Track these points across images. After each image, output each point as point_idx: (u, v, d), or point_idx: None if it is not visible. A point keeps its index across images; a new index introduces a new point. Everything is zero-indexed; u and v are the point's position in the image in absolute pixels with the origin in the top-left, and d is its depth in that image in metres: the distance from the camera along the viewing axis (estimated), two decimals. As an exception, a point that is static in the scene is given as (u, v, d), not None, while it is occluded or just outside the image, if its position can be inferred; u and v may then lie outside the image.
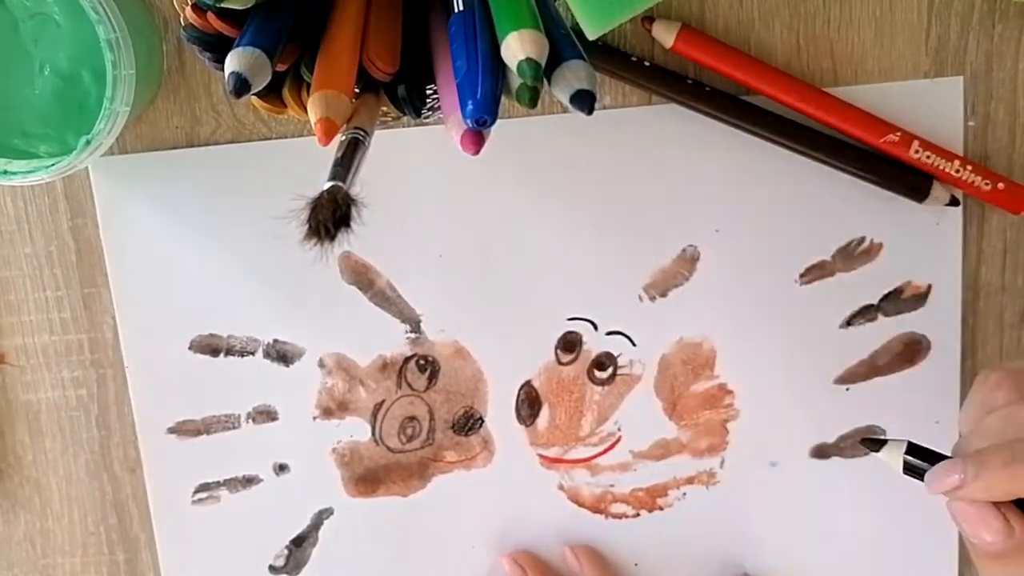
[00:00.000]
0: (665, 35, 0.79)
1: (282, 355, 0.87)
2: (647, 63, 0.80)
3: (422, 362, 0.87)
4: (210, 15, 0.61)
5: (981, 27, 0.81)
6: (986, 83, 0.82)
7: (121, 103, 0.71)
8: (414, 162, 0.83)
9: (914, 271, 0.85)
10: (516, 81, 0.56)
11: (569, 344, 0.87)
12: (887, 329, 0.86)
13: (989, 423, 0.69)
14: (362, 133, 0.60)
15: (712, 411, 0.87)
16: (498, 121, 0.56)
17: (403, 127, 0.82)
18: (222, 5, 0.58)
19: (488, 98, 0.55)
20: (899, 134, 0.80)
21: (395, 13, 0.66)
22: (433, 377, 0.87)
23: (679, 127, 0.82)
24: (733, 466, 0.88)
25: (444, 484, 0.89)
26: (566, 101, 0.55)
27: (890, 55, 0.81)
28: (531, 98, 0.55)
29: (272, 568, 0.90)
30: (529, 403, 0.87)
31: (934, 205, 0.82)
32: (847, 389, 0.87)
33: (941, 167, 0.80)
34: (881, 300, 0.85)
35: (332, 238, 0.55)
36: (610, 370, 0.87)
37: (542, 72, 0.54)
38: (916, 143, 0.80)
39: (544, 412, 0.88)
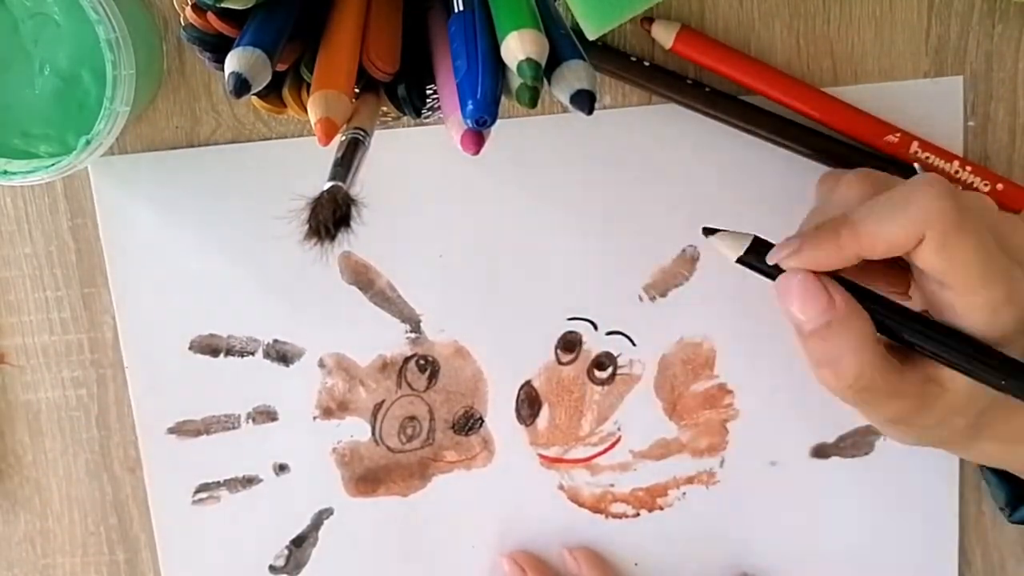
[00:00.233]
0: (664, 36, 0.79)
1: (282, 355, 0.87)
2: (647, 63, 0.80)
3: (422, 362, 0.87)
4: (210, 15, 0.61)
5: (981, 27, 0.81)
6: (986, 83, 0.82)
7: (121, 103, 0.71)
8: (414, 162, 0.83)
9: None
10: (516, 81, 0.56)
11: (569, 344, 0.87)
12: (887, 328, 0.86)
13: (827, 206, 0.73)
14: (362, 133, 0.60)
15: (712, 411, 0.87)
16: (500, 120, 0.56)
17: (403, 127, 0.82)
18: (222, 5, 0.59)
19: (488, 98, 0.56)
20: (898, 134, 0.80)
21: (395, 13, 0.66)
22: (433, 377, 0.87)
23: (679, 127, 0.82)
24: (733, 466, 0.88)
25: (444, 484, 0.89)
26: (566, 101, 0.55)
27: (890, 55, 0.81)
28: (531, 98, 0.55)
29: (272, 568, 0.90)
30: (529, 403, 0.88)
31: None
32: (847, 388, 0.87)
33: (940, 168, 0.80)
34: (881, 299, 0.85)
35: (332, 238, 0.55)
36: (610, 370, 0.87)
37: (542, 72, 0.54)
38: (915, 144, 0.80)
39: (544, 412, 0.88)
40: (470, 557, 0.90)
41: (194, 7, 0.61)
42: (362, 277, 0.85)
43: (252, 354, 0.87)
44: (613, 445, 0.88)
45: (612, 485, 0.89)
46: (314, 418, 0.88)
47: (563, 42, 0.57)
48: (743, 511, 0.89)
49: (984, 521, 0.89)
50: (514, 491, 0.89)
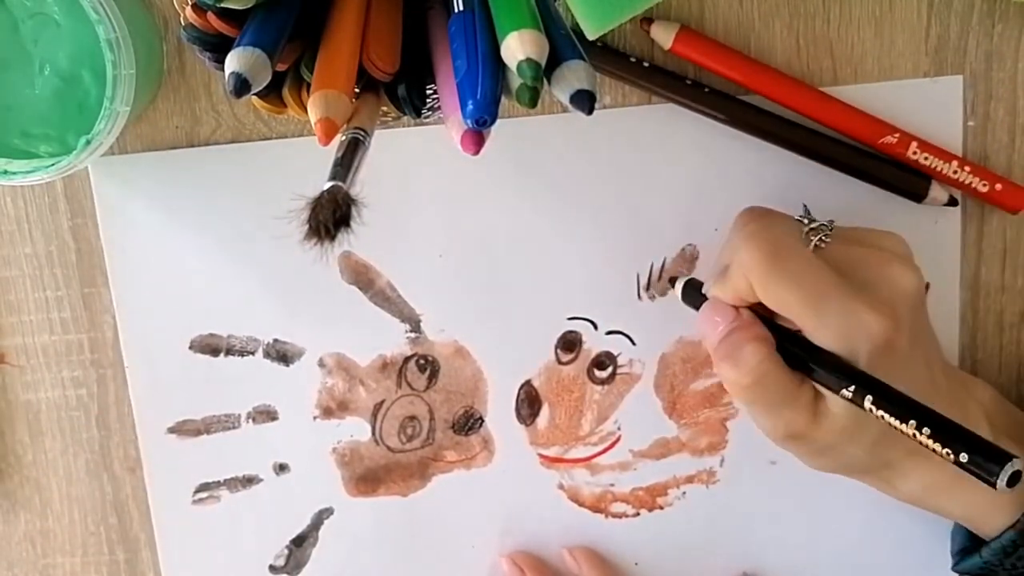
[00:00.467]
0: (663, 36, 0.79)
1: (282, 355, 0.87)
2: (647, 63, 0.80)
3: (422, 362, 0.87)
4: (210, 15, 0.61)
5: (981, 27, 0.81)
6: (986, 83, 0.82)
7: (121, 103, 0.71)
8: (414, 162, 0.83)
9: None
10: (516, 81, 0.56)
11: (569, 343, 0.87)
12: (886, 328, 0.86)
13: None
14: (362, 133, 0.60)
15: (712, 409, 0.87)
16: (500, 120, 0.56)
17: (403, 127, 0.82)
18: (222, 5, 0.58)
19: (488, 98, 0.55)
20: (897, 135, 0.80)
21: (395, 13, 0.66)
22: (433, 377, 0.87)
23: (679, 127, 0.82)
24: (733, 465, 0.88)
25: (444, 484, 0.89)
26: (566, 101, 0.55)
27: (890, 55, 0.81)
28: (531, 98, 0.55)
29: (272, 568, 0.90)
30: (529, 402, 0.88)
31: (932, 205, 0.82)
32: (847, 387, 0.87)
33: (939, 168, 0.81)
34: (880, 299, 0.85)
35: (332, 238, 0.55)
36: (610, 369, 0.87)
37: (542, 72, 0.54)
38: (914, 144, 0.80)
39: (544, 411, 0.88)
40: (470, 557, 0.90)
41: (194, 7, 0.61)
42: (362, 277, 0.85)
43: (252, 354, 0.87)
44: (613, 444, 0.88)
45: (612, 485, 0.89)
46: (314, 418, 0.88)
47: (563, 42, 0.57)
48: (743, 510, 0.89)
49: (984, 521, 0.89)
50: (514, 491, 0.89)
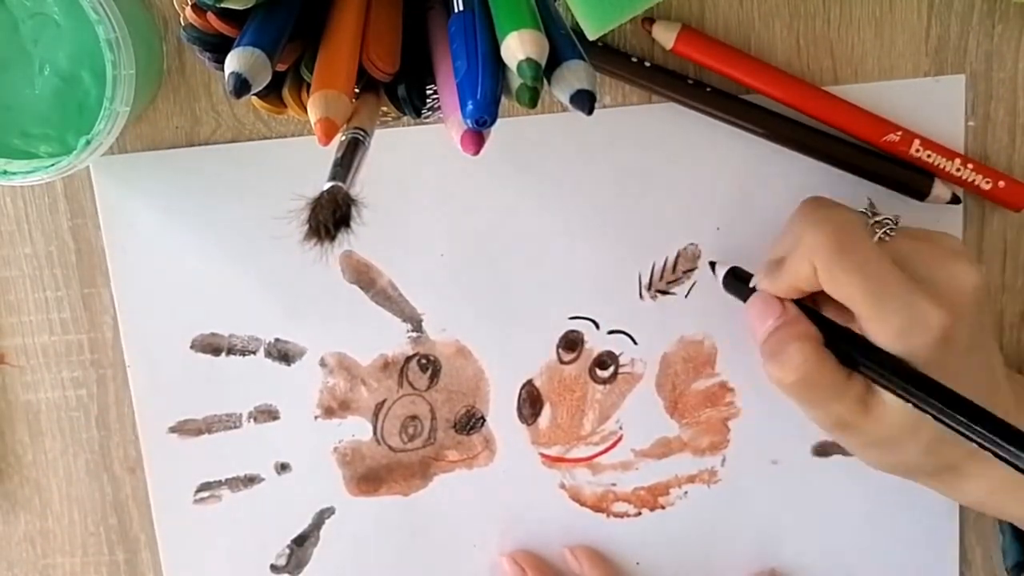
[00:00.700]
0: (665, 36, 0.79)
1: (283, 354, 0.87)
2: (647, 63, 0.80)
3: (424, 361, 0.87)
4: (210, 15, 0.61)
5: (981, 27, 0.81)
6: (986, 83, 0.82)
7: (121, 103, 0.71)
8: (416, 161, 0.83)
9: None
10: (516, 81, 0.55)
11: (571, 343, 0.87)
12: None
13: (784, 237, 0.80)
14: (362, 133, 0.60)
15: (713, 409, 0.87)
16: (499, 120, 0.56)
17: (403, 127, 0.82)
18: (222, 5, 0.58)
19: (488, 98, 0.55)
20: (899, 133, 0.80)
21: (395, 13, 0.66)
22: (435, 376, 0.87)
23: (680, 126, 0.82)
24: (734, 464, 0.88)
25: (445, 483, 0.89)
26: (566, 101, 0.55)
27: (890, 55, 0.81)
28: (531, 98, 0.55)
29: (274, 567, 0.90)
30: (531, 402, 0.88)
31: (935, 203, 0.82)
32: (848, 387, 0.87)
33: (942, 166, 0.80)
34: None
35: (332, 238, 0.55)
36: (611, 369, 0.87)
37: (542, 72, 0.54)
38: (917, 141, 0.80)
39: (546, 411, 0.88)
40: (471, 556, 0.90)
41: (194, 7, 0.61)
42: (363, 276, 0.85)
43: (253, 353, 0.87)
44: (615, 444, 0.88)
45: (614, 484, 0.89)
46: (315, 417, 0.88)
47: (563, 42, 0.57)
48: (745, 510, 0.89)
49: (985, 521, 0.89)
50: (516, 490, 0.89)
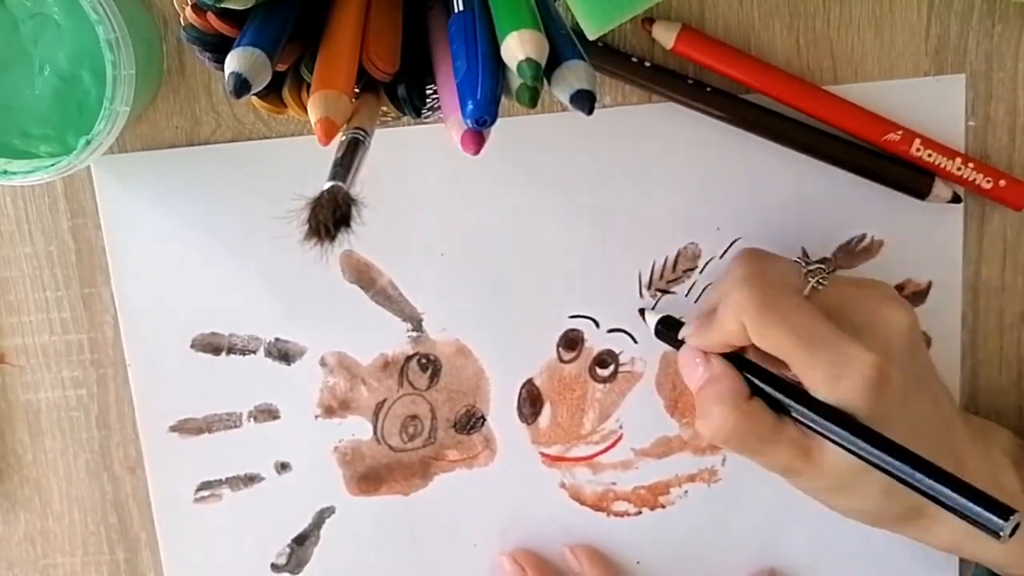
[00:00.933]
0: (665, 36, 0.79)
1: (284, 354, 0.87)
2: (647, 63, 0.80)
3: (424, 361, 0.87)
4: (210, 15, 0.61)
5: (981, 27, 0.81)
6: (986, 83, 0.82)
7: (121, 103, 0.71)
8: (416, 160, 0.83)
9: (914, 269, 0.85)
10: (516, 81, 0.56)
11: (571, 342, 0.87)
12: (888, 326, 0.86)
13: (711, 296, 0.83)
14: (362, 133, 0.60)
15: (714, 408, 0.87)
16: (500, 119, 0.56)
17: (404, 126, 0.82)
18: (222, 5, 0.58)
19: (488, 98, 0.55)
20: (900, 132, 0.80)
21: (395, 13, 0.66)
22: (435, 376, 0.87)
23: (679, 126, 0.82)
24: (735, 464, 0.88)
25: (446, 483, 0.89)
26: (566, 101, 0.55)
27: (890, 55, 0.81)
28: (531, 98, 0.55)
29: (274, 567, 0.90)
30: (531, 401, 0.88)
31: (936, 203, 0.82)
32: (848, 386, 0.87)
33: (942, 164, 0.80)
34: (882, 297, 0.85)
35: (332, 238, 0.55)
36: (612, 368, 0.87)
37: (542, 72, 0.54)
38: (917, 141, 0.80)
39: (546, 410, 0.88)
40: (472, 556, 0.90)
41: (194, 7, 0.61)
42: (364, 276, 0.85)
43: (254, 352, 0.87)
44: (615, 443, 0.88)
45: (614, 483, 0.89)
46: (316, 417, 0.88)
47: (563, 42, 0.57)
48: (745, 509, 0.89)
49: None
50: (516, 490, 0.89)
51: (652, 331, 0.84)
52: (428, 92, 0.68)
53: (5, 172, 0.74)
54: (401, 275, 0.86)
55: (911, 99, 0.82)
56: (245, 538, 0.89)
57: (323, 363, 0.87)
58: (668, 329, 0.82)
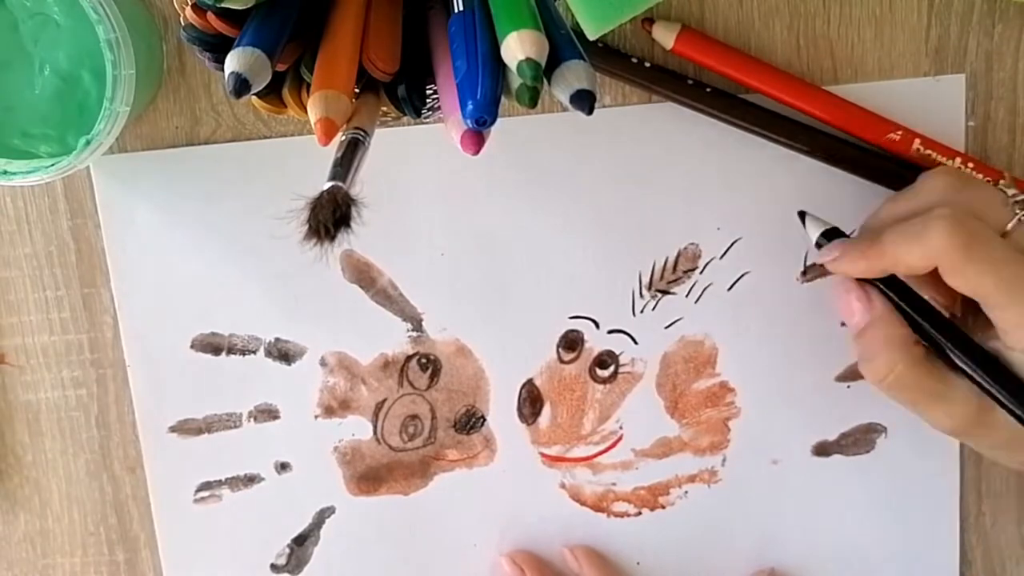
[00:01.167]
0: (665, 36, 0.79)
1: (284, 354, 0.87)
2: (647, 64, 0.80)
3: (424, 361, 0.87)
4: (210, 15, 0.61)
5: (981, 27, 0.81)
6: (986, 83, 0.82)
7: (121, 103, 0.71)
8: (417, 160, 0.83)
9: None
10: (516, 81, 0.56)
11: (571, 342, 0.87)
12: (888, 327, 0.86)
13: (882, 214, 0.78)
14: (362, 133, 0.60)
15: (714, 409, 0.87)
16: (500, 119, 0.56)
17: (404, 125, 0.82)
18: (222, 5, 0.58)
19: (488, 98, 0.56)
20: (900, 132, 0.80)
21: (395, 13, 0.66)
22: (435, 376, 0.87)
23: (679, 126, 0.82)
24: (735, 464, 0.88)
25: (446, 483, 0.89)
26: (566, 101, 0.55)
27: (890, 55, 0.81)
28: (531, 98, 0.55)
29: (274, 567, 0.90)
30: (531, 401, 0.88)
31: None
32: (848, 386, 0.87)
33: (943, 164, 0.80)
34: (882, 298, 0.85)
35: (332, 238, 0.55)
36: (612, 368, 0.87)
37: (542, 72, 0.54)
38: (917, 140, 0.80)
39: (546, 411, 0.88)
40: (471, 556, 0.90)
41: (194, 7, 0.61)
42: (364, 275, 0.85)
43: (254, 352, 0.87)
44: (615, 444, 0.88)
45: (614, 484, 0.89)
46: (316, 417, 0.88)
47: (563, 42, 0.57)
48: (745, 510, 0.89)
49: (984, 521, 0.89)
50: (516, 490, 0.89)
51: (813, 242, 0.80)
52: (428, 92, 0.68)
53: (5, 172, 0.74)
54: (401, 275, 0.86)
55: (911, 99, 0.82)
56: (245, 538, 0.89)
57: (323, 363, 0.87)
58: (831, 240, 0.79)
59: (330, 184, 0.55)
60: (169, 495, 0.88)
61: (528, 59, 0.54)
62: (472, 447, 0.88)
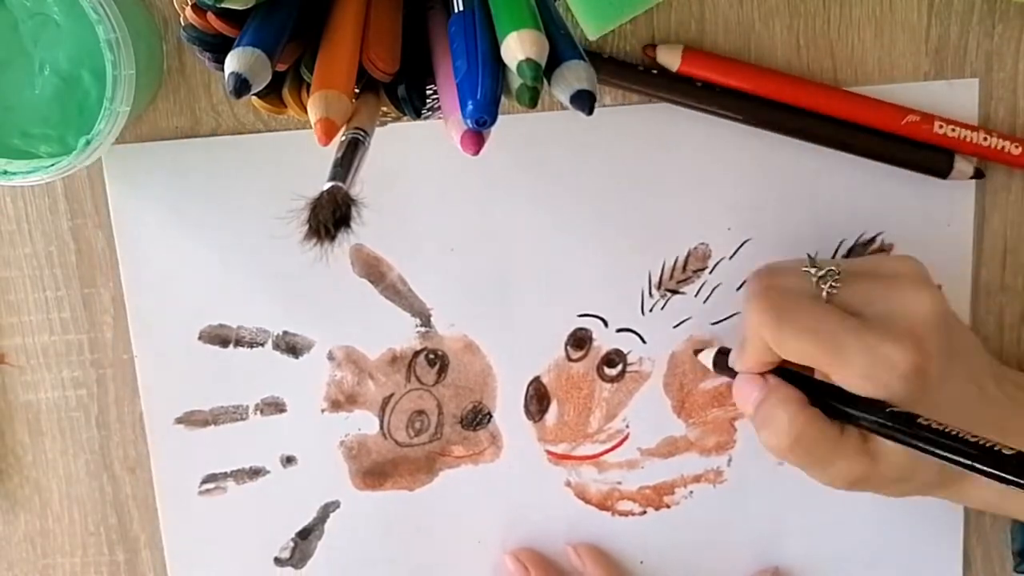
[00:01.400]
0: (669, 59, 0.79)
1: (291, 347, 0.87)
2: (654, 71, 0.80)
3: (431, 356, 0.87)
4: (210, 15, 0.61)
5: (981, 27, 0.81)
6: (986, 83, 0.82)
7: (121, 103, 0.71)
8: (428, 156, 0.83)
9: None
10: (516, 81, 0.55)
11: (579, 341, 0.87)
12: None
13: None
14: (362, 133, 0.60)
15: (720, 409, 0.88)
16: (511, 116, 0.56)
17: (413, 121, 0.81)
18: (222, 5, 0.58)
19: (488, 98, 0.55)
20: (919, 115, 0.80)
21: (395, 13, 0.66)
22: (442, 371, 0.87)
23: (689, 124, 0.82)
24: (740, 465, 0.89)
25: (451, 479, 0.89)
26: (566, 101, 0.55)
27: (890, 55, 0.81)
28: (531, 98, 0.55)
29: (278, 560, 0.90)
30: (538, 399, 0.88)
31: (959, 180, 0.82)
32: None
33: (967, 138, 0.80)
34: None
35: (332, 238, 0.55)
36: (619, 367, 0.87)
37: (542, 72, 0.54)
38: (937, 120, 0.80)
39: (552, 408, 0.88)
40: (476, 552, 0.90)
41: (194, 7, 0.61)
42: (373, 270, 0.85)
43: (261, 345, 0.87)
44: (621, 442, 0.88)
45: (619, 482, 0.89)
46: (322, 411, 0.88)
47: (563, 42, 0.57)
48: (749, 510, 0.89)
49: (985, 521, 0.90)
50: (521, 487, 0.89)
51: (711, 367, 0.85)
52: (428, 92, 0.68)
53: (5, 172, 0.74)
54: (411, 270, 0.86)
55: (924, 104, 0.82)
56: (249, 532, 0.89)
57: (331, 357, 0.87)
58: (723, 360, 0.83)
59: (330, 184, 0.55)
60: (174, 487, 0.89)
61: (528, 59, 0.53)
62: (478, 443, 0.88)
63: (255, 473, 0.88)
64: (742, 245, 0.85)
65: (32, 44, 0.74)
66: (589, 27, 0.73)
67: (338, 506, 0.89)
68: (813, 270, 0.75)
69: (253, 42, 0.58)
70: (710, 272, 0.86)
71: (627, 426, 0.88)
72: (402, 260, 0.86)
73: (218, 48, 0.63)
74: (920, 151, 0.81)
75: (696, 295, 0.86)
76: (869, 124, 0.81)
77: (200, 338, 0.87)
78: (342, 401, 0.88)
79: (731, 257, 0.85)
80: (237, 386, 0.88)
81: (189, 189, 0.84)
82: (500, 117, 0.55)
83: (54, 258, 0.85)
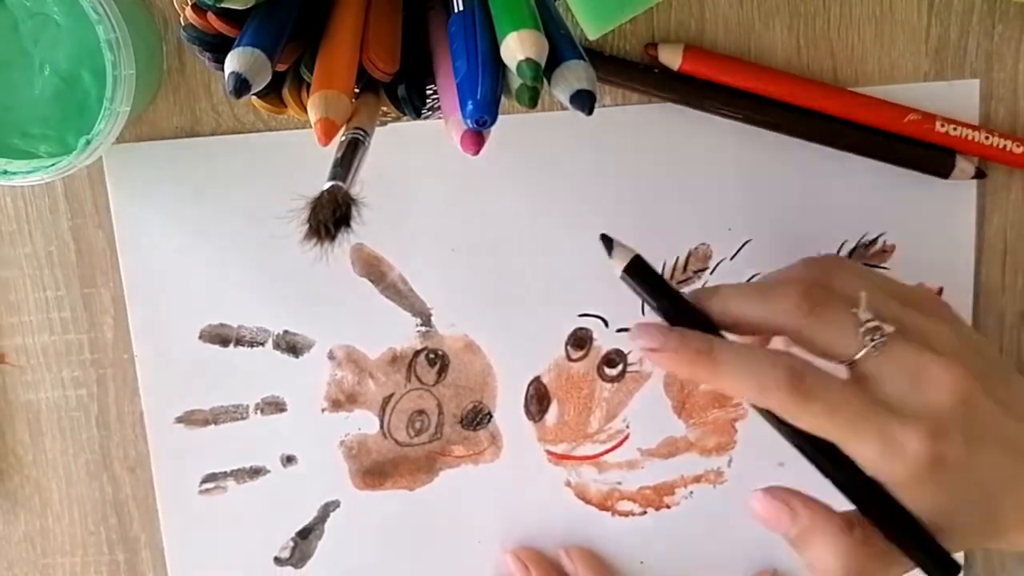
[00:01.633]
0: (671, 58, 0.79)
1: (292, 346, 0.87)
2: (656, 70, 0.80)
3: (432, 356, 0.87)
4: (210, 15, 0.61)
5: (981, 27, 0.81)
6: (986, 83, 0.82)
7: (121, 103, 0.71)
8: (429, 156, 0.83)
9: (927, 273, 0.85)
10: (516, 81, 0.55)
11: (579, 341, 0.87)
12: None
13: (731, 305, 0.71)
14: (362, 133, 0.60)
15: (721, 410, 0.87)
16: (511, 116, 0.56)
17: (414, 120, 0.82)
18: (222, 5, 0.58)
19: (488, 98, 0.55)
20: (919, 114, 0.80)
21: (395, 13, 0.66)
22: (442, 371, 0.87)
23: (691, 124, 0.82)
24: (741, 465, 0.89)
25: (451, 478, 0.89)
26: (566, 101, 0.55)
27: (890, 55, 0.81)
28: (531, 98, 0.55)
29: (277, 560, 0.90)
30: (538, 399, 0.88)
31: (960, 180, 0.82)
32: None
33: (969, 137, 0.80)
34: (893, 301, 0.85)
35: (332, 238, 0.55)
36: (620, 367, 0.87)
37: (542, 72, 0.54)
38: (939, 119, 0.80)
39: (553, 408, 0.88)
40: (475, 552, 0.90)
41: (194, 7, 0.61)
42: (374, 270, 0.85)
43: (262, 345, 0.87)
44: (621, 443, 0.88)
45: (619, 483, 0.89)
46: (323, 410, 0.88)
47: (563, 42, 0.57)
48: (749, 511, 0.88)
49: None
50: (521, 487, 0.89)
51: (618, 274, 0.71)
52: (428, 92, 0.68)
53: (5, 172, 0.74)
54: (411, 270, 0.86)
55: (924, 104, 0.82)
56: (249, 531, 0.90)
57: (331, 356, 0.87)
58: (636, 276, 0.71)
59: (330, 184, 0.55)
60: (174, 487, 0.89)
61: (528, 59, 0.53)
62: (478, 443, 0.88)
63: (255, 473, 0.88)
64: (743, 246, 0.85)
65: (32, 44, 0.74)
66: (589, 27, 0.73)
67: (338, 506, 0.89)
68: (863, 317, 0.68)
69: (253, 42, 0.58)
70: (711, 272, 0.85)
71: (627, 426, 0.88)
72: (402, 260, 0.86)
73: (218, 48, 0.63)
74: (922, 150, 0.81)
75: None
76: (870, 123, 0.81)
77: (200, 337, 0.87)
78: (342, 401, 0.88)
79: (732, 258, 0.85)
80: (237, 385, 0.88)
81: (189, 189, 0.84)
82: (500, 117, 0.56)
83: (54, 258, 0.85)
